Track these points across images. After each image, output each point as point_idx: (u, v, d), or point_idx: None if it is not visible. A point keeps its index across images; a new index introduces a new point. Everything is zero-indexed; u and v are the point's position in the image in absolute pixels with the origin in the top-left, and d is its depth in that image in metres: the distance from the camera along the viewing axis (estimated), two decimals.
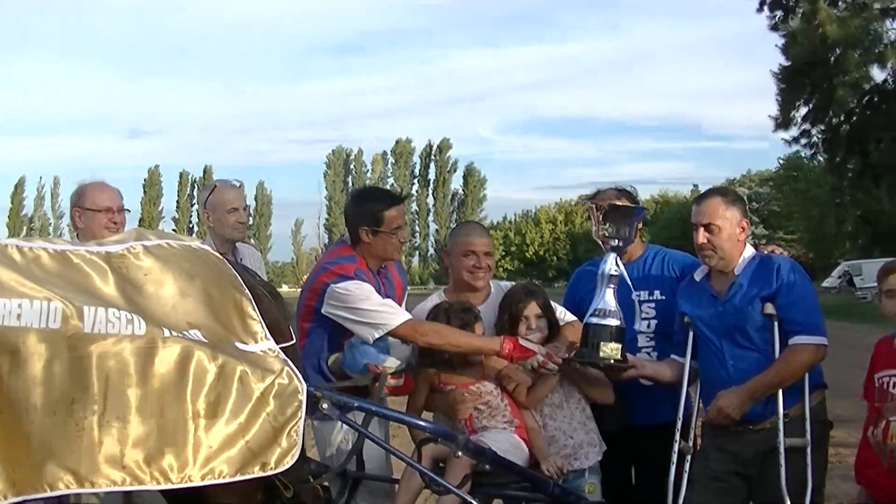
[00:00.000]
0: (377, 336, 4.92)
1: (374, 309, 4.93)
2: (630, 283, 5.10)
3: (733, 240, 4.94)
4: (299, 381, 3.58)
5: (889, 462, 4.41)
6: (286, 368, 3.59)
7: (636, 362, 5.00)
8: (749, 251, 5.01)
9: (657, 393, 5.24)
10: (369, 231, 5.19)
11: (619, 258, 4.90)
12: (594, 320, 4.78)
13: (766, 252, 5.03)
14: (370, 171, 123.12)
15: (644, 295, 5.37)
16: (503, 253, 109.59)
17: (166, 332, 3.38)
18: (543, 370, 4.98)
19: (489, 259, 5.42)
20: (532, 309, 5.14)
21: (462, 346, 5.03)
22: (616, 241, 4.86)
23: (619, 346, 4.77)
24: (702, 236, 4.89)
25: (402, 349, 5.03)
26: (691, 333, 5.07)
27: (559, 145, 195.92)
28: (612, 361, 4.79)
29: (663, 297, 5.38)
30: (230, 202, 5.93)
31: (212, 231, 6.01)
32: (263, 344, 3.68)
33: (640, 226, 5.43)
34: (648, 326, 5.37)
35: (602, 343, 4.76)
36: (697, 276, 5.13)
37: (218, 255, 3.99)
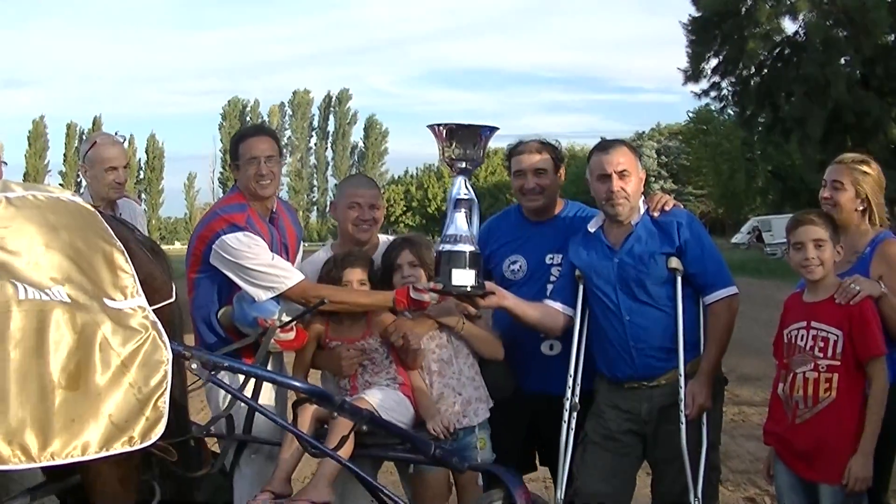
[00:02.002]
0: (266, 297, 4.89)
1: (263, 270, 4.88)
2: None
3: (638, 190, 5.00)
4: (165, 346, 3.49)
5: (793, 415, 4.51)
6: (152, 333, 3.49)
7: (496, 290, 4.94)
8: (642, 203, 5.04)
9: (552, 362, 5.27)
10: (233, 166, 5.27)
11: (467, 182, 4.81)
12: (446, 247, 4.69)
13: (655, 203, 5.04)
14: (267, 122, 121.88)
15: (557, 258, 5.36)
16: (405, 208, 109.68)
17: (23, 293, 3.27)
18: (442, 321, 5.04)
19: (375, 211, 5.40)
20: (405, 257, 5.13)
21: (354, 305, 5.03)
22: (464, 162, 4.76)
23: (474, 272, 4.69)
24: (616, 184, 4.87)
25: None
26: (581, 287, 5.08)
27: (461, 97, 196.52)
28: (467, 289, 4.73)
29: None
30: (109, 160, 5.83)
31: (89, 187, 5.93)
32: (133, 301, 3.58)
33: (561, 174, 5.45)
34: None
35: (455, 269, 4.68)
36: (591, 227, 5.13)
37: (89, 206, 3.88)
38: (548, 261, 5.36)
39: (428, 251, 5.19)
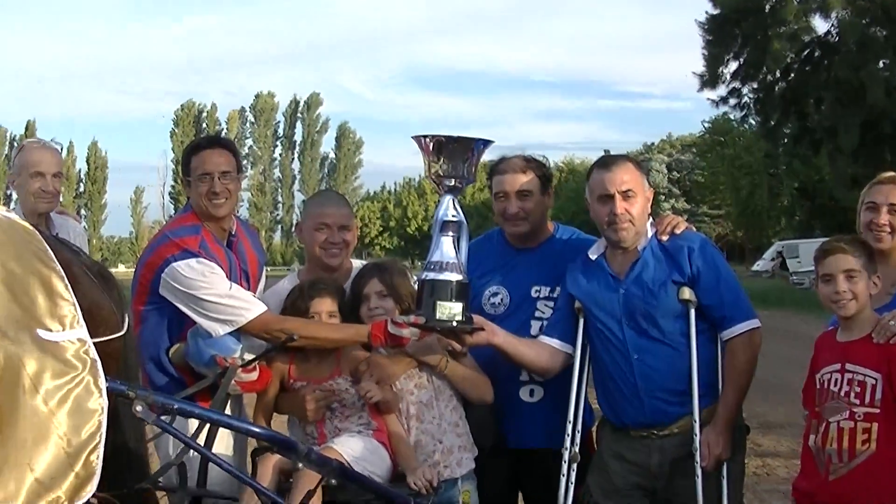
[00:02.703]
0: (223, 332, 4.89)
1: (221, 301, 4.89)
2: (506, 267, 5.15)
3: (645, 212, 5.00)
4: (101, 392, 3.40)
5: (826, 470, 4.44)
6: (86, 377, 3.40)
7: (485, 325, 4.91)
8: (649, 226, 5.05)
9: (532, 410, 5.28)
10: (185, 182, 5.28)
11: (455, 202, 4.73)
12: (430, 275, 4.62)
13: (664, 225, 5.05)
14: (226, 129, 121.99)
15: (545, 290, 5.38)
16: (381, 228, 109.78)
17: None
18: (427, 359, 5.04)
19: (346, 233, 5.39)
20: (372, 286, 5.12)
21: (324, 341, 5.02)
22: (452, 180, 4.69)
23: (461, 304, 4.63)
24: (620, 206, 4.88)
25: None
26: (581, 321, 5.09)
27: (445, 102, 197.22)
28: (452, 323, 4.65)
29: None
30: (34, 164, 5.83)
31: (19, 201, 5.94)
32: (73, 332, 3.51)
33: (551, 191, 5.46)
34: (541, 330, 5.32)
35: (440, 302, 4.61)
36: (593, 253, 5.13)
37: (27, 225, 3.84)
38: (533, 293, 5.38)
39: (402, 279, 5.18)
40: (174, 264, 4.92)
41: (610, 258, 5.06)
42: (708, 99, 36.92)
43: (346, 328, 5.04)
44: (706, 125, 73.86)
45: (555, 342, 5.11)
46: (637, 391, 4.89)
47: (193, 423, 4.48)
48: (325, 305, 5.08)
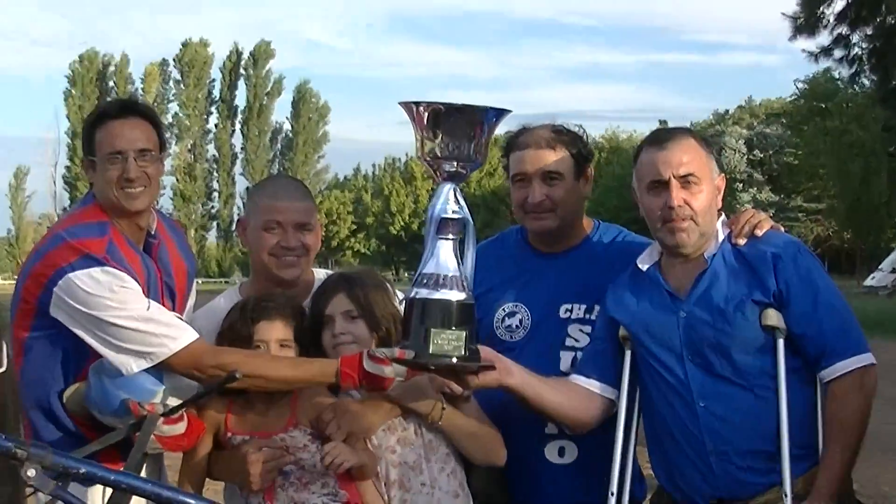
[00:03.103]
0: (138, 369, 4.88)
1: (135, 326, 4.87)
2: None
3: (713, 206, 5.02)
4: None
5: None
6: None
7: (497, 361, 4.85)
8: (721, 226, 5.08)
9: (562, 476, 5.30)
10: (87, 163, 5.29)
11: (458, 192, 4.66)
12: (421, 293, 4.53)
13: (742, 224, 5.06)
14: (141, 91, 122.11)
15: (578, 309, 5.42)
16: (354, 226, 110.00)
17: None
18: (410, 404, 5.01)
19: (307, 235, 5.40)
20: (337, 304, 5.12)
21: (276, 380, 5.00)
22: (454, 163, 4.62)
23: (465, 332, 4.51)
24: (678, 196, 4.88)
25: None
26: (628, 354, 5.11)
27: (442, 56, 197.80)
28: (452, 359, 4.54)
29: None
30: None
31: None
32: None
33: (586, 173, 5.45)
34: (576, 362, 5.33)
35: (435, 330, 4.49)
36: (643, 263, 5.16)
37: None
38: (563, 313, 5.41)
39: (380, 295, 5.18)
40: (71, 275, 4.90)
41: (666, 269, 5.09)
42: (804, 51, 36.90)
43: (306, 364, 5.04)
44: (801, 87, 73.84)
45: (592, 383, 5.13)
46: (704, 452, 4.89)
47: (97, 493, 4.50)
48: (274, 331, 5.07)
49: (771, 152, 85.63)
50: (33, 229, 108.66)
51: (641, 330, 5.04)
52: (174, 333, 4.93)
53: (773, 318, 4.84)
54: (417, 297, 4.53)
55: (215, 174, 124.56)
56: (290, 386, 5.03)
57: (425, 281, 4.54)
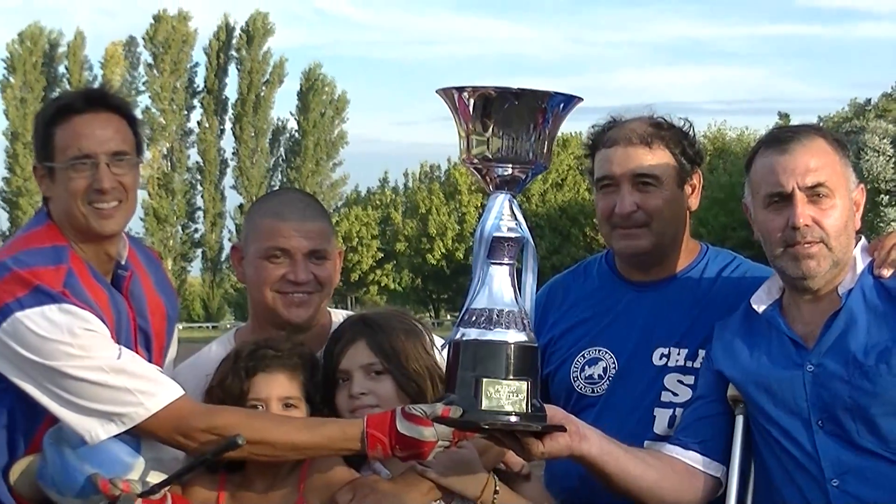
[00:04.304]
0: (107, 435, 4.89)
1: (101, 380, 4.89)
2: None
3: (850, 227, 5.03)
4: None
5: None
6: None
7: (570, 423, 4.81)
8: (860, 252, 5.09)
9: None
10: (42, 170, 5.29)
11: (514, 204, 4.65)
12: (470, 333, 4.53)
13: (887, 250, 5.05)
14: (100, 77, 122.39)
15: (678, 355, 5.47)
16: (380, 254, 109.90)
17: None
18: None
19: (321, 265, 5.49)
20: (358, 356, 5.17)
21: (285, 447, 5.01)
22: (509, 167, 4.64)
23: (525, 384, 4.52)
24: (803, 213, 4.90)
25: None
26: (740, 419, 5.13)
27: (491, 32, 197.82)
28: (511, 419, 4.53)
29: None
30: None
31: None
32: None
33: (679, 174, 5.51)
34: (675, 422, 5.38)
35: (487, 380, 4.49)
36: (759, 303, 5.19)
37: None
38: (658, 360, 5.46)
39: (412, 344, 5.22)
40: (18, 314, 4.91)
41: (789, 310, 5.12)
42: None
43: (323, 425, 5.05)
44: None
45: (693, 456, 5.15)
46: None
47: None
48: (275, 387, 5.11)
49: None
50: None
51: (757, 388, 5.06)
52: (152, 389, 4.93)
53: None
54: (465, 339, 4.53)
55: (199, 187, 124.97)
56: (301, 454, 5.04)
57: (475, 318, 4.54)
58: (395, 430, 4.81)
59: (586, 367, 5.49)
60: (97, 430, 4.85)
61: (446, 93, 4.53)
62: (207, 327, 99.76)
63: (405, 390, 5.07)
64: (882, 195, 75.16)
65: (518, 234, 4.58)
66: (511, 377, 4.46)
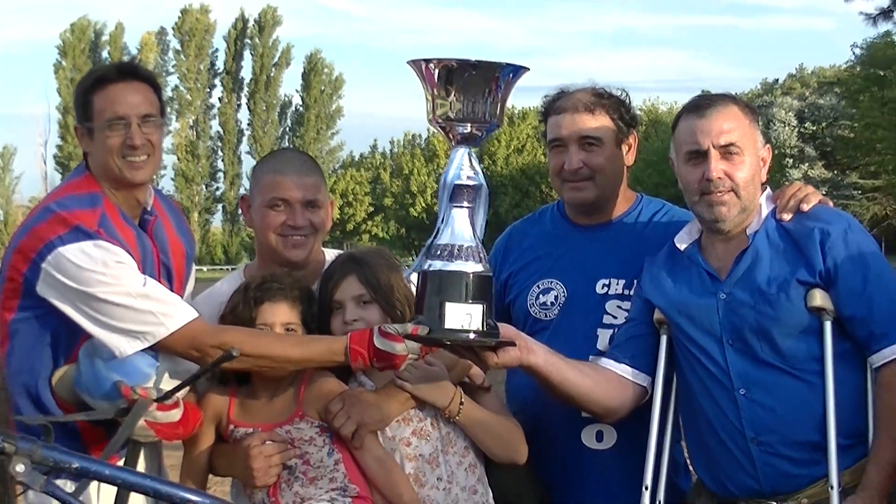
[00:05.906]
0: (133, 351, 4.88)
1: (129, 304, 4.88)
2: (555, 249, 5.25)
3: (756, 179, 5.03)
4: None
5: None
6: None
7: (518, 338, 4.83)
8: (765, 201, 5.08)
9: (600, 462, 5.35)
10: (82, 131, 5.29)
11: (472, 156, 4.63)
12: (436, 265, 4.52)
13: (787, 198, 5.05)
14: (137, 61, 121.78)
15: (617, 285, 5.47)
16: (371, 208, 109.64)
17: None
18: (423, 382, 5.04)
19: (315, 212, 5.44)
20: (349, 288, 5.16)
21: (280, 359, 5.02)
22: (468, 125, 4.60)
23: (482, 307, 4.50)
24: (716, 167, 4.90)
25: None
26: (664, 338, 5.13)
27: (468, 21, 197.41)
28: (469, 335, 4.53)
29: None
30: None
31: None
32: None
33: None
34: (613, 342, 5.39)
35: (450, 304, 4.48)
36: (681, 242, 5.18)
37: None
38: (600, 289, 5.48)
39: (394, 276, 5.21)
40: (61, 249, 4.91)
41: (706, 248, 5.11)
42: (861, 13, 36.61)
43: (313, 342, 5.08)
44: (857, 53, 73.37)
45: (624, 368, 5.15)
46: (746, 444, 4.91)
47: (91, 488, 4.50)
48: (279, 314, 5.10)
49: (824, 125, 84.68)
50: (22, 213, 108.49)
51: (678, 313, 5.07)
52: (172, 311, 4.95)
53: (819, 298, 4.85)
54: (431, 269, 4.54)
55: (220, 153, 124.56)
56: (297, 366, 5.06)
57: (439, 252, 4.54)
58: (373, 345, 4.86)
59: (540, 295, 5.50)
60: (124, 346, 4.86)
61: (416, 63, 4.56)
62: (227, 268, 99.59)
63: (390, 316, 5.06)
64: (787, 159, 75.05)
65: (476, 182, 4.60)
66: (469, 301, 4.48)
